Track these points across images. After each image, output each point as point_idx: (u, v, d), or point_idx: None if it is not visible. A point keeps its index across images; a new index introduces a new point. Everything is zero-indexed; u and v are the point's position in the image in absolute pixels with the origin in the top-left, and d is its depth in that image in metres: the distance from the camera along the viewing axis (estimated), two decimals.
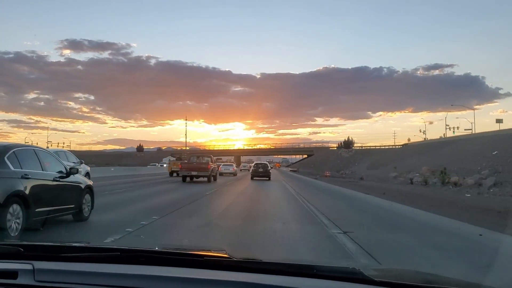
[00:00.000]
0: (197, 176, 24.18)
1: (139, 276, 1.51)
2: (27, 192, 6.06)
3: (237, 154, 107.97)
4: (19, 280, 1.49)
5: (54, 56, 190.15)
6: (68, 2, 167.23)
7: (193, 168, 24.01)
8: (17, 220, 5.84)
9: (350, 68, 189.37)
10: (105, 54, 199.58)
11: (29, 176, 6.26)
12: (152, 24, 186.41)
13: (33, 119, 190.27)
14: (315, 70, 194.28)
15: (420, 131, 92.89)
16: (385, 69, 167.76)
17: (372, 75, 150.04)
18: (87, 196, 8.25)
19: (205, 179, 23.97)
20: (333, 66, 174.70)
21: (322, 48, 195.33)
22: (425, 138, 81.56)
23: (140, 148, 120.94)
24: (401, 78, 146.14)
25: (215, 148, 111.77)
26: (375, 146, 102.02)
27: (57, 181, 7.12)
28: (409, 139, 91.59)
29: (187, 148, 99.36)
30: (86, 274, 1.52)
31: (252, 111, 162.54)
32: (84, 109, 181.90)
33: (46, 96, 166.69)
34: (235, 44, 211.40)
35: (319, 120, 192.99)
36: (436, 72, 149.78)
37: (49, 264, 1.60)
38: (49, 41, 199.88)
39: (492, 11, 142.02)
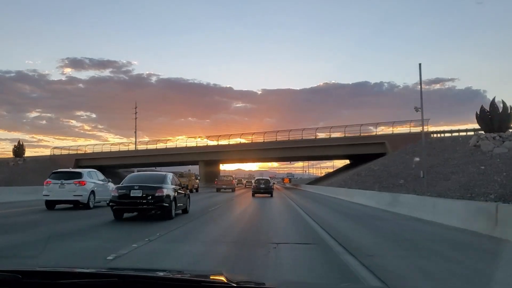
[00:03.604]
0: (225, 188, 41.73)
1: None
2: (176, 196, 11.89)
3: (211, 158, 62.54)
4: None
5: (56, 75, 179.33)
6: (68, 21, 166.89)
7: (224, 184, 43.05)
8: (174, 211, 11.62)
9: (350, 83, 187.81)
10: (106, 72, 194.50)
11: (175, 188, 12.09)
12: (153, 42, 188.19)
13: (35, 138, 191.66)
14: (315, 85, 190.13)
15: None
16: (385, 84, 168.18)
17: (372, 90, 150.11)
18: (188, 200, 14.08)
19: (230, 190, 41.29)
20: (333, 81, 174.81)
21: (323, 63, 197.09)
22: None
23: (18, 152, 65.85)
24: (402, 93, 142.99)
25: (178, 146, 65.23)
26: None
27: (179, 190, 12.92)
28: None
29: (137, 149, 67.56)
30: None
31: (253, 127, 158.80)
32: (86, 127, 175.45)
33: (48, 114, 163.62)
34: (235, 61, 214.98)
35: (321, 136, 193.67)
36: (437, 86, 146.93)
37: None
38: (50, 60, 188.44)
39: (493, 25, 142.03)
